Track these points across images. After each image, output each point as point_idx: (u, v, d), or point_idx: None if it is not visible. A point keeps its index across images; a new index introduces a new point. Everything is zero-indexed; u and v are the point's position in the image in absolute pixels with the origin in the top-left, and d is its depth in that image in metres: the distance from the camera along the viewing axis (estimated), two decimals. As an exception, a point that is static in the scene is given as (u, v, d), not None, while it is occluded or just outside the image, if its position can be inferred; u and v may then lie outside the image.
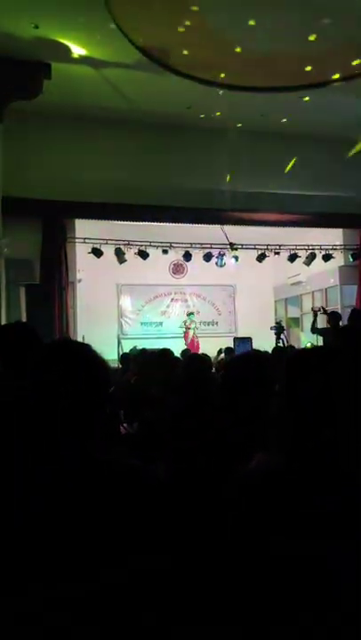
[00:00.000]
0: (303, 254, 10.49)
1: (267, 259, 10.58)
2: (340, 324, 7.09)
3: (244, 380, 1.67)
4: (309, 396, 1.07)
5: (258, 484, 1.03)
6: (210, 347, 9.90)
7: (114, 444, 1.56)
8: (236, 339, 8.21)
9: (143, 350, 7.10)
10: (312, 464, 1.02)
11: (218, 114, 7.50)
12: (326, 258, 10.30)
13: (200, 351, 9.60)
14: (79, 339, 8.34)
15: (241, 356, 1.87)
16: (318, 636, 0.91)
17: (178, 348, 9.63)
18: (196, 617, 1.00)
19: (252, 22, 5.18)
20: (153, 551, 0.94)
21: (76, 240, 9.41)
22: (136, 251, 9.93)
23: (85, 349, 1.11)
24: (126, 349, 8.98)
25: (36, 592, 0.86)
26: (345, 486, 0.99)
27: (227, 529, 1.03)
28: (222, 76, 5.96)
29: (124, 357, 7.25)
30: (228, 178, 7.83)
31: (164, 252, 10.23)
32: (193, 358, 2.46)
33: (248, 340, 7.78)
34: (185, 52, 5.86)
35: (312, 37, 5.41)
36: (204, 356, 5.57)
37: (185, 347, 10.04)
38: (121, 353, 8.57)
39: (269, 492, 1.01)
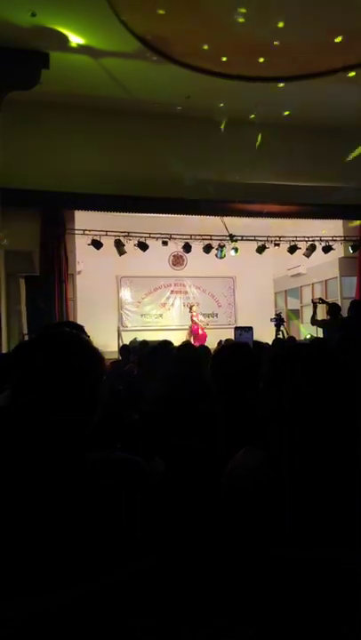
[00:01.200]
0: (303, 246, 10.46)
1: (267, 250, 10.54)
2: (340, 315, 7.07)
3: (231, 371, 1.65)
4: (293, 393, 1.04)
5: (243, 488, 1.02)
6: (210, 338, 9.90)
7: (113, 438, 1.55)
8: (236, 328, 8.18)
9: (143, 342, 7.11)
10: (295, 463, 0.99)
11: (221, 104, 7.43)
12: (326, 249, 10.27)
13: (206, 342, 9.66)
14: (79, 331, 8.32)
15: (228, 347, 1.85)
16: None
17: (178, 339, 9.63)
18: (194, 618, 1.00)
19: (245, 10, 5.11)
20: (149, 550, 0.94)
21: (76, 231, 9.38)
22: (136, 242, 9.90)
23: (80, 342, 1.06)
24: (126, 341, 8.98)
25: (34, 595, 0.85)
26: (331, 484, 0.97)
27: (222, 528, 1.02)
28: (224, 59, 5.90)
29: (124, 349, 7.25)
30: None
31: (164, 243, 10.20)
32: (180, 350, 2.41)
33: (249, 329, 7.74)
34: (185, 42, 5.80)
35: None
36: (202, 347, 5.57)
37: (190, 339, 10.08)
38: (121, 345, 8.56)
39: (256, 495, 0.99)
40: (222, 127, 7.75)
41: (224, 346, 1.83)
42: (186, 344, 4.39)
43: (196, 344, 9.20)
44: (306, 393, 1.03)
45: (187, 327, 11.66)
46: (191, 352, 2.33)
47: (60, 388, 0.97)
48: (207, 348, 5.84)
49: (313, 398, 1.02)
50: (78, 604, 0.85)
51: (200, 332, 11.31)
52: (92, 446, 1.00)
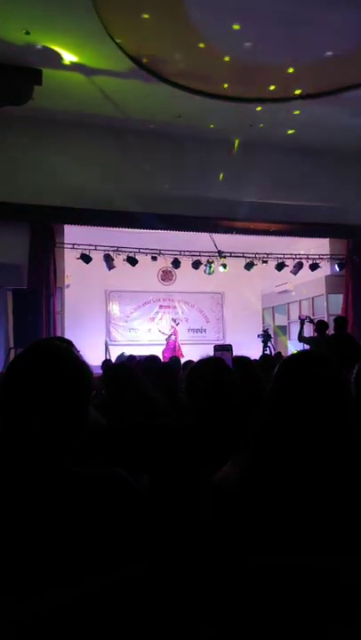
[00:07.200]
0: (291, 263, 10.59)
1: (255, 267, 10.65)
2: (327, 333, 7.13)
3: (202, 383, 1.67)
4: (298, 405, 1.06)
5: (226, 498, 1.03)
6: (197, 354, 9.86)
7: (96, 451, 1.56)
8: (216, 347, 8.18)
9: (131, 357, 7.09)
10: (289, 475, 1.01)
11: (211, 126, 7.57)
12: (313, 267, 10.41)
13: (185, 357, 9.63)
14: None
15: (201, 360, 1.89)
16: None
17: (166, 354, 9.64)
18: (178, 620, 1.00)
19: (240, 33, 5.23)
20: (135, 556, 0.94)
21: (65, 245, 9.40)
22: (125, 257, 9.94)
23: (67, 355, 1.07)
24: (114, 356, 8.94)
25: (24, 597, 0.85)
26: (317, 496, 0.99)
27: (207, 535, 1.03)
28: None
29: (106, 364, 7.19)
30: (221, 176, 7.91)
31: (153, 258, 10.26)
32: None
33: (229, 347, 7.73)
34: (177, 62, 5.92)
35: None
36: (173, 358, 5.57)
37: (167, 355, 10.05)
38: (106, 359, 8.52)
39: (239, 505, 1.00)
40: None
41: (199, 360, 1.86)
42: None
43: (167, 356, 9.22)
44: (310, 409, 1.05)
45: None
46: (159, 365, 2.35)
47: (50, 398, 0.98)
48: (177, 358, 5.83)
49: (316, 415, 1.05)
50: (72, 605, 0.86)
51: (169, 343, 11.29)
52: (77, 457, 1.01)
